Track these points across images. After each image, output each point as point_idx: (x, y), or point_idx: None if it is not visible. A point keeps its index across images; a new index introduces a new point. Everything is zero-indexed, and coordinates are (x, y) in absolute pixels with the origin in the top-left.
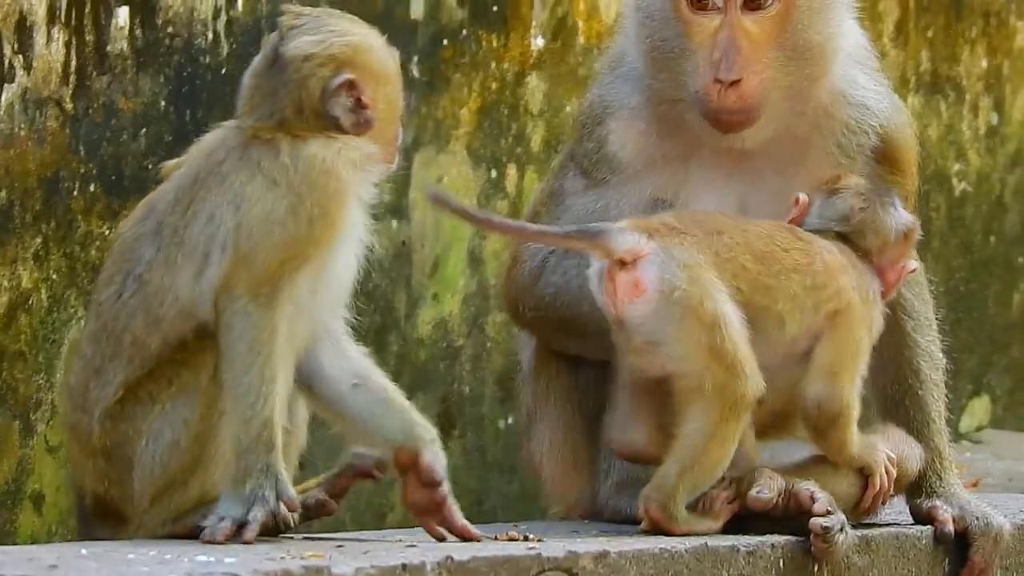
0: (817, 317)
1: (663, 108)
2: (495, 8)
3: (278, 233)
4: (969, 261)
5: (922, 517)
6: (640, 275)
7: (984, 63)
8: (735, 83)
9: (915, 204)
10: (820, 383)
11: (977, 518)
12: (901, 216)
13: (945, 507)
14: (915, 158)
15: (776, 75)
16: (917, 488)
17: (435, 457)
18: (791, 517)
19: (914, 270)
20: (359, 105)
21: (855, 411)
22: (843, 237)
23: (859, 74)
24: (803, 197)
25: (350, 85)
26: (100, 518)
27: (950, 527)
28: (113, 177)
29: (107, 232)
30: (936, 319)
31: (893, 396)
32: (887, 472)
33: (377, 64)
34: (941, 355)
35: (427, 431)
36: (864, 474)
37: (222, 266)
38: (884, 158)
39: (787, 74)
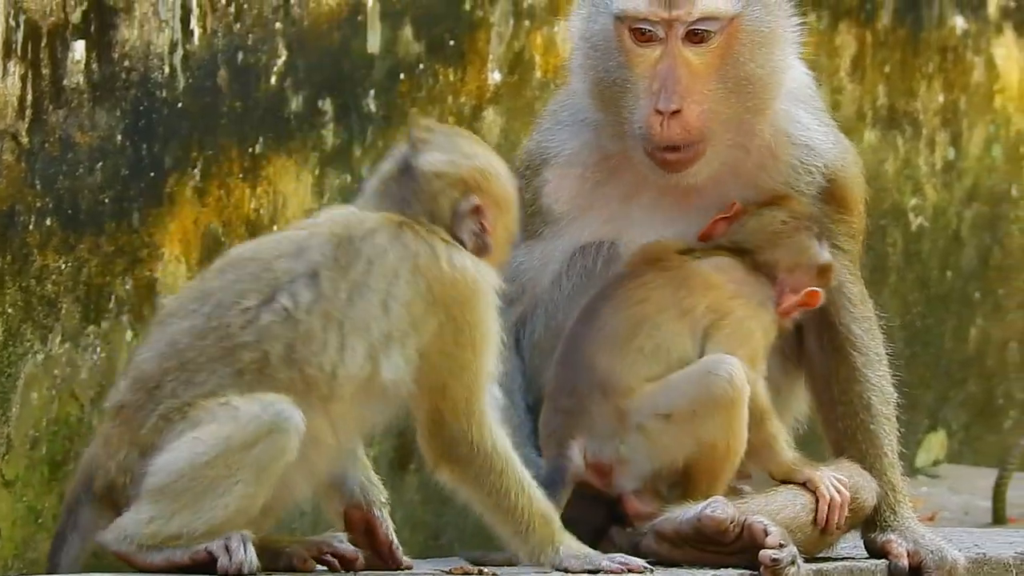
0: (697, 336)
1: (607, 146)
2: (452, 42)
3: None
4: (926, 296)
5: (876, 551)
6: None
7: (941, 98)
8: (676, 113)
9: (863, 242)
10: None
11: (931, 552)
12: (823, 252)
13: (900, 541)
14: (862, 197)
15: (717, 107)
16: (872, 522)
17: (387, 521)
18: (746, 550)
19: (812, 297)
20: (482, 229)
21: (766, 405)
22: (743, 251)
23: (803, 113)
24: (738, 204)
25: (477, 210)
26: (100, 507)
27: (904, 561)
28: (69, 211)
29: (63, 266)
30: (892, 354)
31: (845, 431)
32: (838, 492)
33: (501, 192)
34: (892, 390)
35: (381, 492)
36: (810, 488)
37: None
38: (831, 197)
39: (728, 106)
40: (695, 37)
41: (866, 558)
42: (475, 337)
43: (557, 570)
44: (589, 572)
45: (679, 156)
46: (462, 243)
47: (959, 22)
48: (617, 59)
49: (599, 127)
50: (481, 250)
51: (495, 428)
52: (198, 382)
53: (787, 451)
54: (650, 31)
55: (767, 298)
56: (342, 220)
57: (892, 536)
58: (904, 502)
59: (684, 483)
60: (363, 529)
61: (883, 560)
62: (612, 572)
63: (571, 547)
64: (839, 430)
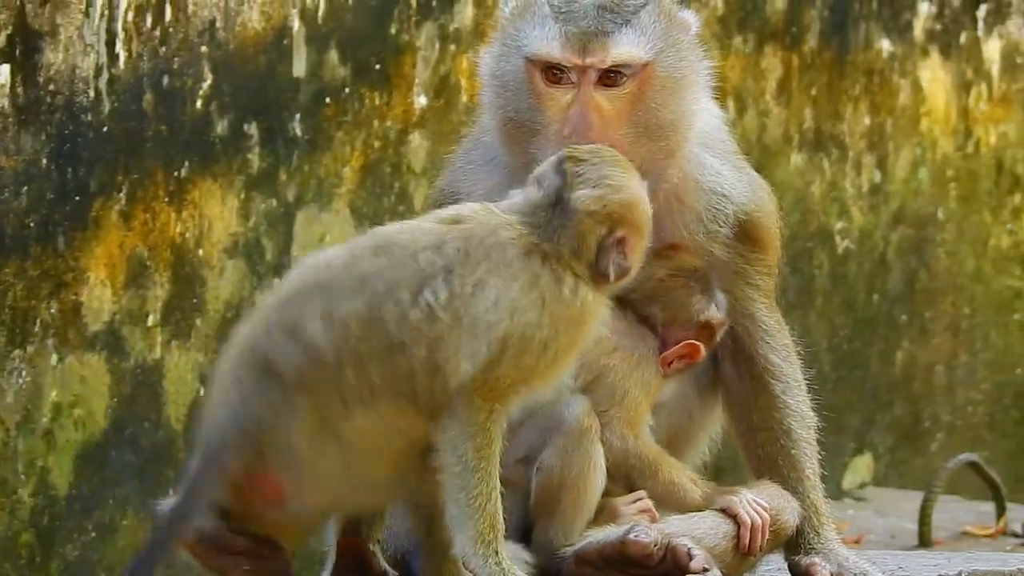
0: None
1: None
2: (378, 66)
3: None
4: (852, 319)
5: (800, 574)
6: None
7: (867, 121)
8: None
9: (792, 263)
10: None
11: (855, 575)
12: (711, 309)
13: (823, 564)
14: (776, 234)
15: (627, 152)
16: (795, 545)
17: (380, 556)
18: (670, 573)
19: (692, 350)
20: (624, 258)
21: (654, 456)
22: (628, 301)
23: (712, 158)
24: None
25: (620, 242)
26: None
27: None
28: None
29: None
30: (817, 377)
31: (766, 457)
32: (756, 511)
33: (642, 219)
34: (812, 414)
35: (379, 529)
36: (731, 515)
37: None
38: (745, 237)
39: (638, 151)
40: (608, 81)
41: None
42: (563, 352)
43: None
44: None
45: None
46: (605, 275)
47: (885, 45)
48: (528, 100)
49: (511, 169)
50: (621, 275)
51: (503, 421)
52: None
53: (693, 490)
54: (563, 74)
55: (649, 350)
56: (483, 219)
57: (816, 559)
58: (828, 524)
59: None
60: (356, 560)
61: None
62: None
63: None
64: (760, 456)
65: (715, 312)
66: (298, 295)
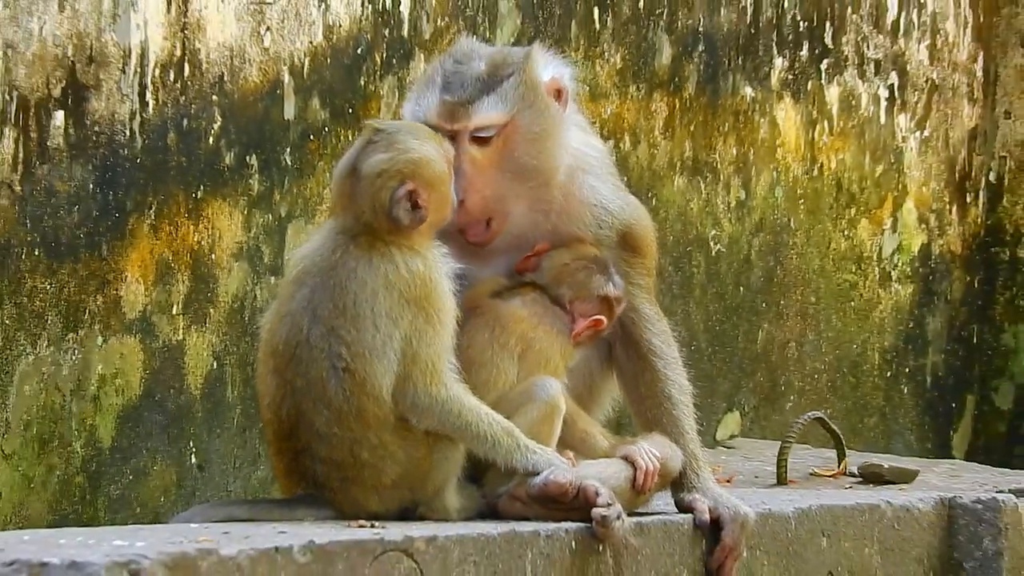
0: (514, 362)
1: None
2: (350, 110)
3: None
4: (723, 307)
5: (684, 508)
6: None
7: (734, 151)
8: (462, 203)
9: (657, 278)
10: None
11: (727, 508)
12: (608, 285)
13: (702, 499)
14: (653, 242)
15: (503, 190)
16: (680, 484)
17: None
18: (581, 508)
19: (598, 323)
20: (416, 207)
21: (573, 409)
22: (542, 288)
23: (594, 180)
24: (541, 244)
25: (410, 194)
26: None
27: (706, 516)
28: (52, 244)
29: (48, 287)
30: (696, 351)
31: (653, 418)
32: (649, 458)
33: (432, 174)
34: (688, 384)
35: None
36: (629, 461)
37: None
38: (626, 245)
39: (515, 187)
40: (478, 139)
41: (676, 513)
42: (440, 317)
43: (528, 472)
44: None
45: (475, 232)
46: (396, 220)
47: (748, 91)
48: None
49: None
50: (416, 222)
51: (450, 381)
52: None
53: (602, 440)
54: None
55: (564, 326)
56: (322, 259)
57: (696, 496)
58: (705, 468)
59: None
60: None
61: (690, 515)
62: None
63: (534, 448)
64: (648, 418)
65: (612, 288)
66: None
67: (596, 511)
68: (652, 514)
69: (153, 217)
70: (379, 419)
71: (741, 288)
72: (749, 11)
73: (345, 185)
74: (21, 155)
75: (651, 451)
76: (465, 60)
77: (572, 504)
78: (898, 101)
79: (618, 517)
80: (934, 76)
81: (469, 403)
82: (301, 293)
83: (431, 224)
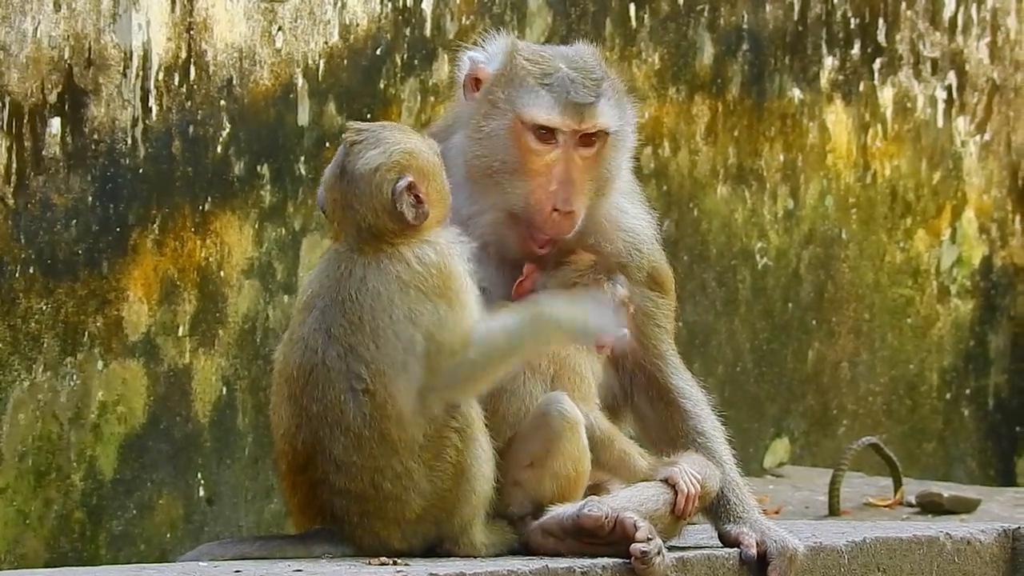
0: (547, 384)
1: (489, 217)
2: (369, 116)
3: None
4: (771, 324)
5: (729, 541)
6: None
7: (781, 157)
8: (569, 212)
9: (701, 293)
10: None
11: (775, 541)
12: (616, 287)
13: (749, 532)
14: (673, 283)
15: (583, 197)
16: (724, 515)
17: None
18: (619, 542)
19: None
20: (418, 201)
21: (608, 429)
22: None
23: (629, 206)
24: (528, 267)
25: (410, 187)
26: None
27: (753, 550)
28: (49, 261)
29: (44, 307)
30: (742, 372)
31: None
32: (691, 481)
33: (426, 164)
34: (720, 424)
35: None
36: (670, 484)
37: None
38: (653, 283)
39: (589, 196)
40: (585, 141)
41: (720, 547)
42: (461, 299)
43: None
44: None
45: (552, 241)
46: (402, 217)
47: (796, 93)
48: (512, 152)
49: (474, 198)
50: (421, 217)
51: (475, 335)
52: None
53: (640, 461)
54: (552, 135)
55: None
56: (334, 281)
57: (743, 528)
58: (750, 499)
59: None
60: None
61: (735, 549)
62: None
63: (560, 304)
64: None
65: (619, 289)
66: None
67: (635, 547)
68: (695, 548)
69: (157, 232)
70: (403, 444)
71: (789, 304)
72: (796, 7)
73: (336, 193)
74: (15, 166)
75: (692, 473)
76: (581, 62)
77: (609, 538)
78: (956, 103)
79: (659, 552)
80: (995, 76)
81: (494, 339)
82: (312, 316)
83: (435, 219)
